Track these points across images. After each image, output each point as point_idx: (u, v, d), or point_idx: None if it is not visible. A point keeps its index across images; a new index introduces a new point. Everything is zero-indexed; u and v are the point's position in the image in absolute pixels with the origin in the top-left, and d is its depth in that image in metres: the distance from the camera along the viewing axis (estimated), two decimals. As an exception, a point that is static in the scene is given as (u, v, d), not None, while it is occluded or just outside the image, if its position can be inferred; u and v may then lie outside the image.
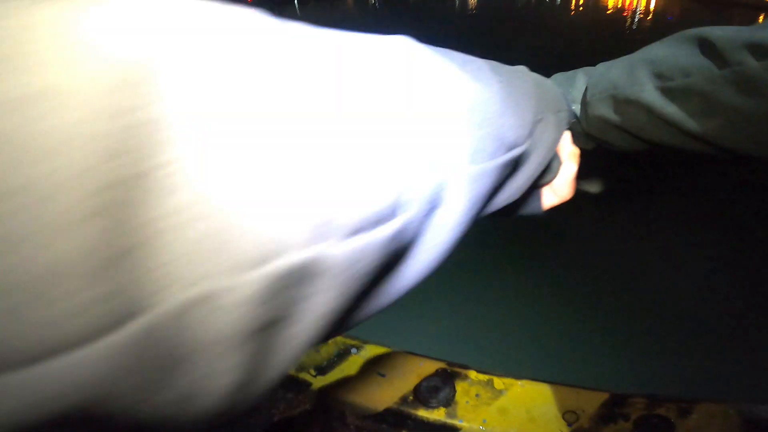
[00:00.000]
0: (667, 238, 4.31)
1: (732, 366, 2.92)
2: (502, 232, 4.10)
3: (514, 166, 0.24)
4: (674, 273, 3.81)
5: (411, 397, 0.86)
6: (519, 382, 0.95)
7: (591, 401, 0.88)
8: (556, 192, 0.40)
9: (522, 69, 0.34)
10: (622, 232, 4.32)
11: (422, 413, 0.88)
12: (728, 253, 3.96)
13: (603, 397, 0.89)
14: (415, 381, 0.96)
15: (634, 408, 0.86)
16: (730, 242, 4.17)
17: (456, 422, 0.93)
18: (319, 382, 0.88)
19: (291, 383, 0.83)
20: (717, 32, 0.30)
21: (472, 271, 3.45)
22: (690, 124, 0.32)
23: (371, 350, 0.95)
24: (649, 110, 0.35)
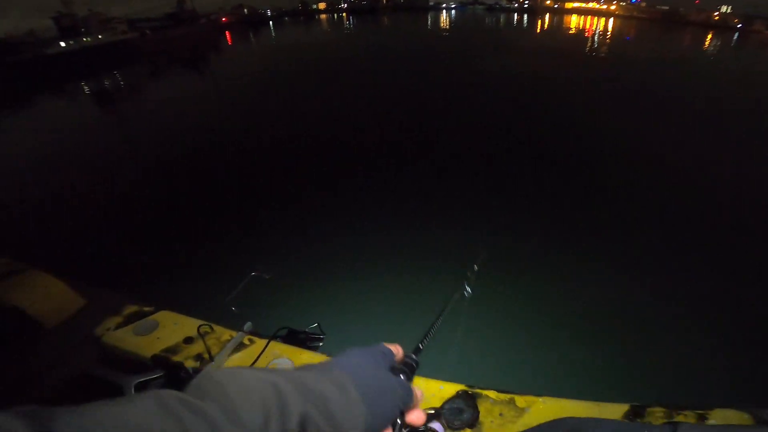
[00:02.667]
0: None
1: (745, 374, 3.03)
2: (513, 264, 4.15)
3: None
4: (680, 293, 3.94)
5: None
6: (540, 399, 0.95)
7: (613, 413, 0.88)
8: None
9: None
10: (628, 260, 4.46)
11: (448, 436, 0.86)
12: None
13: (624, 408, 0.90)
14: (437, 404, 0.94)
15: (654, 417, 0.88)
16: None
17: (482, 443, 0.94)
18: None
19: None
20: None
21: (480, 302, 3.36)
22: None
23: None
24: None
